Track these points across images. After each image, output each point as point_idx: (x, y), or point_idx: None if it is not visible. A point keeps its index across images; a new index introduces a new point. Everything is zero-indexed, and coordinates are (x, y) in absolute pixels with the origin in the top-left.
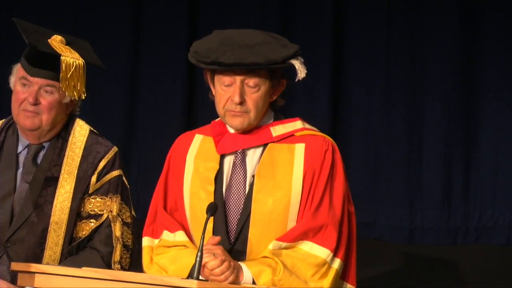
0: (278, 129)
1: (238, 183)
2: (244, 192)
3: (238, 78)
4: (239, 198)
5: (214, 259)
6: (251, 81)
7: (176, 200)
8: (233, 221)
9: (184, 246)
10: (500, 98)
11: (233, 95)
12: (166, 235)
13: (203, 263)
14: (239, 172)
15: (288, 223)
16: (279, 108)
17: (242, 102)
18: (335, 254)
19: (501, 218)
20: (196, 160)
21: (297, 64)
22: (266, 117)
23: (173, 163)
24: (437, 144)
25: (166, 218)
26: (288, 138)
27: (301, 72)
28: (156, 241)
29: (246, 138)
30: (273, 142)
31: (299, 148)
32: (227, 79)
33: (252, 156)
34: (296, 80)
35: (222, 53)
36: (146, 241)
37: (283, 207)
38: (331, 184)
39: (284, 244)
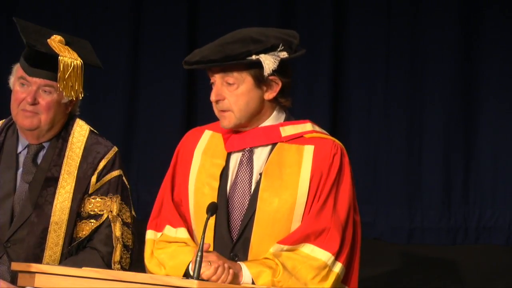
0: (288, 130)
1: (244, 180)
2: (249, 190)
3: (217, 76)
4: (243, 196)
5: (209, 268)
6: (229, 79)
7: (180, 194)
8: (237, 218)
9: (185, 243)
10: (500, 98)
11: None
12: (168, 230)
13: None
14: (245, 170)
15: (292, 224)
16: (287, 109)
17: (218, 101)
18: (336, 258)
19: (500, 218)
20: (203, 156)
21: (264, 59)
22: (275, 117)
23: (181, 157)
24: (437, 144)
25: (171, 213)
26: (297, 139)
27: (266, 68)
28: (159, 234)
29: (255, 137)
30: (282, 142)
31: (308, 150)
32: (211, 78)
33: (260, 154)
34: (265, 74)
35: (198, 52)
36: (149, 234)
37: (289, 207)
38: (336, 188)
39: (285, 247)
